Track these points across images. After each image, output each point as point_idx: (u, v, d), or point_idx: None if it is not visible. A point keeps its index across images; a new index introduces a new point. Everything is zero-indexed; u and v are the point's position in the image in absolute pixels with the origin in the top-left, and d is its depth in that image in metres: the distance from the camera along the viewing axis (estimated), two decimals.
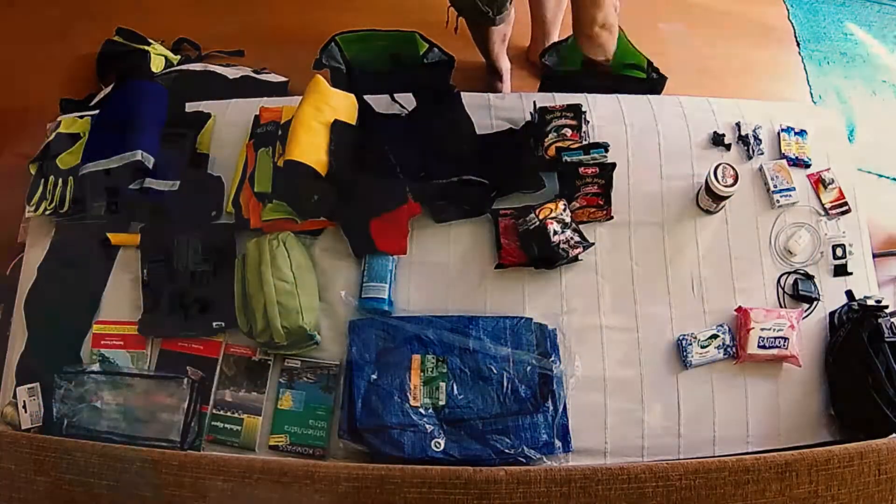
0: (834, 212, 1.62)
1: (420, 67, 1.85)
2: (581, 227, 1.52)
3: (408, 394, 1.35)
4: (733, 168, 1.48)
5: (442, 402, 1.35)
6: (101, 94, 1.90)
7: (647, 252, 1.55)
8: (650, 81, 1.81)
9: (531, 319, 1.44)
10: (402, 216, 1.51)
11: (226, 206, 1.57)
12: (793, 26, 2.48)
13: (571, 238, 1.47)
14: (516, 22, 1.99)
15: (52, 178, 1.55)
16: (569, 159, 1.55)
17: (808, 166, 1.66)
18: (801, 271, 1.56)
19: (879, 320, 1.43)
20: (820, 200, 1.63)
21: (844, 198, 1.63)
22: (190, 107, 1.71)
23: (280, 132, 1.54)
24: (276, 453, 1.38)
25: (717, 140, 1.67)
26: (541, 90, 1.88)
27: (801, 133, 1.69)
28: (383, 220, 1.49)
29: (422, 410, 1.34)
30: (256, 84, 2.06)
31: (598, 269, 1.53)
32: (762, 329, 1.42)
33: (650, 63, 1.84)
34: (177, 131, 1.62)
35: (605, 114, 1.69)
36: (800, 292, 1.52)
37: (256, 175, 1.53)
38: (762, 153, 1.66)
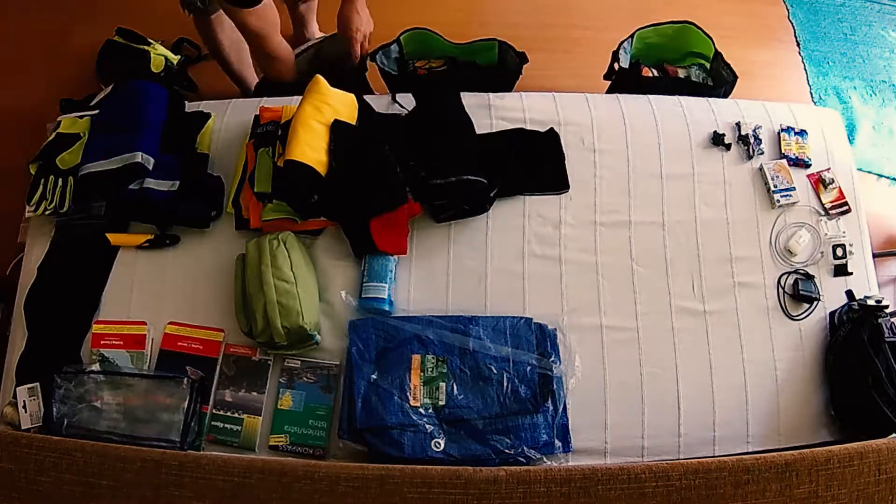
0: (834, 212, 1.62)
1: (481, 69, 1.87)
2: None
3: (408, 394, 1.35)
4: None
5: (442, 402, 1.35)
6: (101, 95, 1.90)
7: (647, 252, 1.55)
8: (717, 81, 1.85)
9: (531, 319, 1.44)
10: (402, 216, 1.51)
11: (226, 206, 1.57)
12: (793, 26, 2.49)
13: None
14: None
15: (52, 178, 1.55)
16: None
17: (808, 166, 1.66)
18: (802, 271, 1.56)
19: (879, 320, 1.43)
20: (820, 200, 1.63)
21: (844, 198, 1.63)
22: (190, 107, 1.71)
23: (280, 132, 1.54)
24: (276, 453, 1.38)
25: (717, 140, 1.67)
26: (610, 91, 1.90)
27: (801, 133, 1.69)
28: (383, 220, 1.49)
29: (422, 410, 1.34)
30: None
31: (598, 269, 1.53)
32: None
33: (719, 55, 1.86)
34: (177, 131, 1.62)
35: (606, 114, 1.70)
36: (800, 292, 1.52)
37: (256, 175, 1.53)
38: (762, 153, 1.66)
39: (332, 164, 1.47)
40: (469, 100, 1.69)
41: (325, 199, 1.48)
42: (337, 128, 1.52)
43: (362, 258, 1.50)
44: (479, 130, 1.65)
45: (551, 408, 1.36)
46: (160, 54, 2.14)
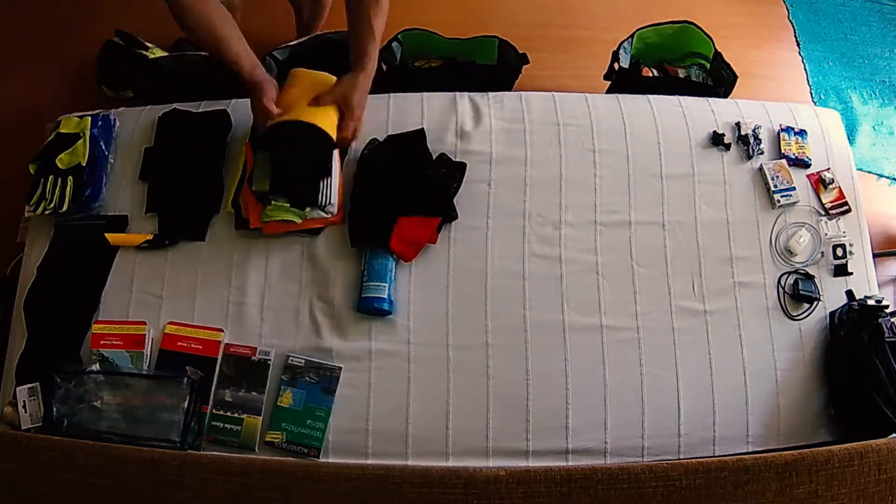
0: (834, 212, 1.62)
1: (480, 68, 1.87)
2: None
3: None
4: None
5: None
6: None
7: (647, 252, 1.55)
8: (717, 81, 1.85)
9: None
10: (429, 228, 1.51)
11: (225, 206, 1.57)
12: (793, 26, 2.48)
13: None
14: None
15: (51, 178, 1.55)
16: None
17: (808, 166, 1.66)
18: (802, 271, 1.56)
19: (879, 320, 1.43)
20: (820, 200, 1.63)
21: (844, 198, 1.63)
22: (188, 107, 1.70)
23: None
24: (272, 450, 1.38)
25: (717, 140, 1.67)
26: (610, 91, 1.90)
27: (801, 133, 1.69)
28: (411, 223, 1.50)
29: None
30: None
31: (599, 269, 1.53)
32: None
33: (718, 55, 1.86)
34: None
35: (606, 114, 1.69)
36: (800, 292, 1.52)
37: (255, 174, 1.52)
38: (762, 153, 1.66)
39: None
40: (468, 99, 1.69)
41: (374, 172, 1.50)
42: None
43: (362, 256, 1.50)
44: (477, 129, 1.65)
45: None
46: (158, 56, 2.14)
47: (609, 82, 1.93)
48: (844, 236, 1.58)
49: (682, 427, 1.41)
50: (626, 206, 1.59)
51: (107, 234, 1.52)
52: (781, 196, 1.61)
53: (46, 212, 1.53)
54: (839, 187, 1.64)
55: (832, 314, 1.52)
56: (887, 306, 1.46)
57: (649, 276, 1.53)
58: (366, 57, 1.47)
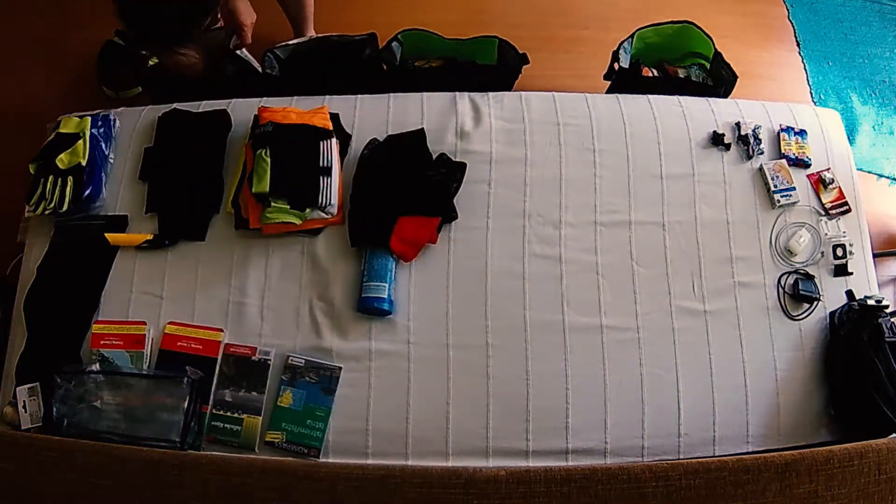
0: (834, 212, 1.62)
1: (480, 68, 1.88)
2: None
3: None
4: None
5: None
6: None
7: (647, 252, 1.55)
8: (717, 81, 1.86)
9: None
10: (429, 228, 1.51)
11: (225, 207, 1.57)
12: (793, 26, 2.48)
13: None
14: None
15: (51, 178, 1.55)
16: None
17: (808, 166, 1.66)
18: (802, 271, 1.56)
19: (879, 320, 1.43)
20: (820, 200, 1.63)
21: (844, 198, 1.63)
22: (190, 107, 1.70)
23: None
24: (272, 450, 1.38)
25: (717, 140, 1.67)
26: (610, 91, 1.91)
27: (801, 133, 1.69)
28: (412, 223, 1.51)
29: None
30: None
31: (599, 269, 1.53)
32: None
33: (718, 55, 1.86)
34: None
35: (606, 114, 1.70)
36: (800, 292, 1.52)
37: (254, 175, 1.52)
38: (762, 153, 1.66)
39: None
40: (468, 99, 1.69)
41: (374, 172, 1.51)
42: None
43: (362, 255, 1.50)
44: (477, 129, 1.65)
45: None
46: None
47: (609, 82, 1.93)
48: (844, 236, 1.58)
49: (682, 427, 1.41)
50: (626, 206, 1.59)
51: (107, 234, 1.52)
52: (781, 196, 1.61)
53: (46, 212, 1.53)
54: (839, 187, 1.64)
55: (832, 314, 1.52)
56: (887, 306, 1.46)
57: (649, 276, 1.53)
58: None
